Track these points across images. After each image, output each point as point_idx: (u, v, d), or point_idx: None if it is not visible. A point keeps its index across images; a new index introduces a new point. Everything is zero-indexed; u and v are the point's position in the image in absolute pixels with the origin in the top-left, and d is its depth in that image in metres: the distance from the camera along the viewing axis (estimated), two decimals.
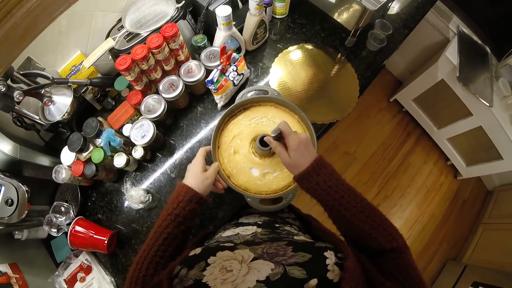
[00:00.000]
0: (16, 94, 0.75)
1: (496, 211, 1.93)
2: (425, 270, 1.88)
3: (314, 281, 0.35)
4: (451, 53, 1.54)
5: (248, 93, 0.88)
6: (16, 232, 0.87)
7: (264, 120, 0.80)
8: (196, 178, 0.64)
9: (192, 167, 0.67)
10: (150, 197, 0.93)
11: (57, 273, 0.90)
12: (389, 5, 1.25)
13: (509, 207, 1.85)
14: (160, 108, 0.91)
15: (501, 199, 1.97)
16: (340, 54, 1.14)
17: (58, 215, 0.89)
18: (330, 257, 0.38)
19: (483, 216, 1.98)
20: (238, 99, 0.86)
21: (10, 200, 0.77)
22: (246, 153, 0.76)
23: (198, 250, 0.45)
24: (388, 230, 0.49)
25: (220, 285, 0.36)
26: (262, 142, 0.68)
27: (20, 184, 0.79)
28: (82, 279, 0.88)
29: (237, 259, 0.41)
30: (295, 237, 0.54)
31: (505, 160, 1.64)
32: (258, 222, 0.67)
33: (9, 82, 0.76)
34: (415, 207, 2.05)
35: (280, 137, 0.61)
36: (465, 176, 2.05)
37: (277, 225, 0.65)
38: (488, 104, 1.42)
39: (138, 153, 0.91)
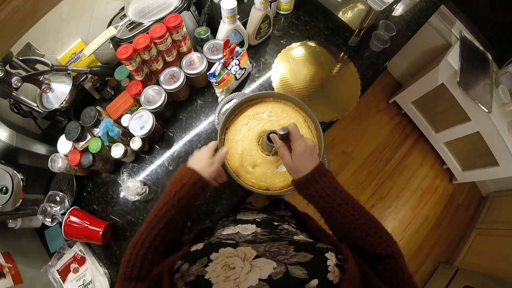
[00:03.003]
0: (14, 80, 0.73)
1: (490, 216, 1.95)
2: (417, 272, 1.90)
3: (315, 282, 0.35)
4: (453, 58, 1.54)
5: (223, 109, 0.85)
6: (10, 220, 0.86)
7: (251, 122, 0.80)
8: (200, 162, 0.62)
9: (200, 152, 0.65)
10: (147, 189, 0.92)
11: (50, 263, 0.89)
12: (394, 6, 1.25)
13: (503, 213, 1.87)
14: (160, 100, 0.90)
15: (495, 205, 1.99)
16: (342, 53, 1.13)
17: (53, 205, 0.88)
18: (331, 259, 0.38)
19: (476, 221, 1.99)
20: (217, 123, 0.82)
21: (4, 188, 0.76)
22: (263, 160, 0.76)
23: (200, 246, 0.44)
24: (383, 238, 0.50)
25: (222, 283, 0.36)
26: (270, 138, 0.67)
27: (15, 172, 0.78)
28: (76, 270, 0.87)
29: (240, 256, 0.40)
30: (294, 237, 0.55)
31: (501, 166, 1.65)
32: (257, 220, 0.67)
33: (7, 67, 0.74)
34: (410, 209, 2.06)
35: (286, 137, 0.60)
36: (460, 181, 2.06)
37: (275, 223, 0.66)
38: (487, 110, 1.43)
39: (136, 144, 0.90)
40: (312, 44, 1.14)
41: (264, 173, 0.75)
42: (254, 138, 0.77)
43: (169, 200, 0.55)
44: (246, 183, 0.75)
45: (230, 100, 0.80)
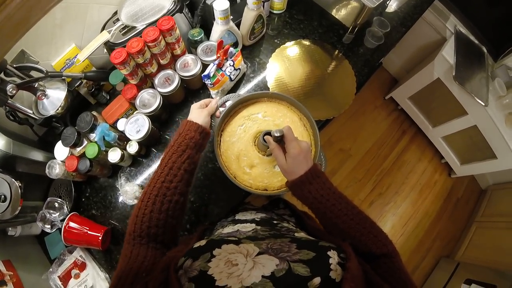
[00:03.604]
0: (9, 87, 0.73)
1: (489, 209, 1.95)
2: (419, 267, 1.91)
3: (317, 280, 0.35)
4: (448, 52, 1.55)
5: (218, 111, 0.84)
6: (10, 228, 0.86)
7: (246, 123, 0.79)
8: (193, 113, 0.70)
9: (193, 109, 0.72)
10: None
11: (51, 269, 0.89)
12: (388, 2, 1.25)
13: (502, 206, 1.88)
14: (156, 103, 0.89)
15: (494, 198, 1.99)
16: (337, 50, 1.13)
17: (51, 211, 0.88)
18: (333, 257, 0.38)
19: (476, 214, 2.00)
20: (213, 125, 0.81)
21: (3, 196, 0.76)
22: (260, 161, 0.76)
23: (202, 242, 0.44)
24: (378, 237, 0.50)
25: (226, 279, 0.36)
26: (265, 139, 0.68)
27: (13, 179, 0.78)
28: (77, 276, 0.87)
29: (242, 253, 0.41)
30: (295, 234, 0.55)
31: (499, 159, 1.65)
32: (256, 219, 0.67)
33: (2, 75, 0.74)
34: (409, 204, 2.07)
35: (280, 139, 0.60)
36: (459, 175, 2.07)
37: (275, 222, 0.66)
38: (483, 104, 1.43)
39: (132, 148, 0.90)
40: (306, 42, 1.14)
41: (262, 174, 0.75)
42: (250, 139, 0.77)
43: (170, 149, 0.61)
44: (244, 184, 0.75)
45: (225, 102, 0.80)
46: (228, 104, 0.79)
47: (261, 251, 0.41)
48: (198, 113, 0.69)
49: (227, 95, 0.79)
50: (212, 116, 0.75)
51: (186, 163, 0.60)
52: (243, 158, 0.76)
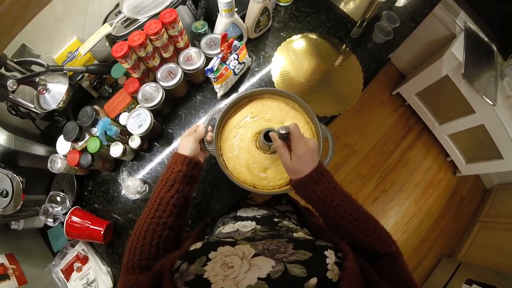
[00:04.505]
0: (9, 83, 0.72)
1: (493, 210, 1.93)
2: (420, 265, 1.90)
3: (314, 280, 0.35)
4: (457, 49, 1.51)
5: (208, 135, 0.81)
6: (13, 222, 0.86)
7: (240, 131, 0.77)
8: (181, 143, 0.68)
9: (181, 139, 0.70)
10: (147, 188, 0.92)
11: (53, 262, 0.90)
12: None
13: (506, 207, 1.86)
14: (158, 97, 0.88)
15: (499, 198, 1.97)
16: (344, 45, 1.10)
17: (54, 205, 0.88)
18: (330, 257, 0.38)
19: (480, 214, 1.98)
20: (211, 150, 0.76)
21: (5, 192, 0.76)
22: (270, 161, 0.74)
23: (198, 245, 0.44)
24: (382, 237, 0.50)
25: (221, 282, 0.36)
26: (267, 136, 0.66)
27: (14, 175, 0.78)
28: (79, 269, 0.88)
29: (238, 255, 0.40)
30: (294, 234, 0.54)
31: (505, 159, 1.63)
32: (257, 217, 0.66)
33: (2, 70, 0.74)
34: (413, 202, 2.06)
35: (286, 137, 0.58)
36: (464, 173, 2.04)
37: (275, 220, 0.65)
38: (491, 103, 1.40)
39: (135, 142, 0.89)
40: (313, 36, 1.11)
41: (278, 171, 0.73)
42: (250, 145, 0.75)
43: (159, 184, 0.61)
44: (267, 189, 0.73)
45: (211, 120, 0.77)
46: (214, 122, 0.77)
47: (257, 252, 0.41)
48: (185, 142, 0.67)
49: (210, 113, 0.77)
50: (205, 142, 0.73)
51: (175, 198, 0.59)
52: (253, 165, 0.74)
